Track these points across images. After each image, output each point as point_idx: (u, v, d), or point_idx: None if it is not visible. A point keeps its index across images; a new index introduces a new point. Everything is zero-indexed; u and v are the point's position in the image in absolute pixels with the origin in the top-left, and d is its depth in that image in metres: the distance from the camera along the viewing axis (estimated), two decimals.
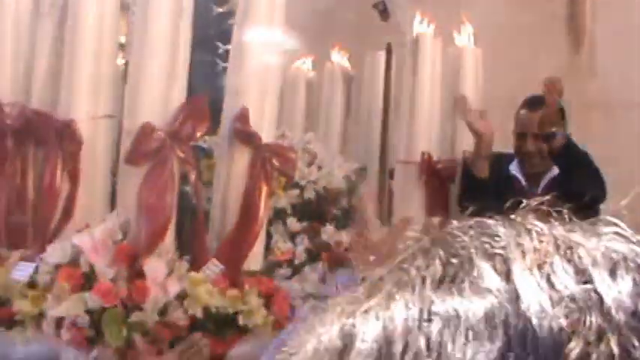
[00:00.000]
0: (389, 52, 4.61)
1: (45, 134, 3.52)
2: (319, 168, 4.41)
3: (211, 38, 4.40)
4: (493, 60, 7.98)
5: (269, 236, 3.94)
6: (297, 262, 3.92)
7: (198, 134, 3.36)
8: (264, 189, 3.50)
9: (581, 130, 7.85)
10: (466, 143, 4.40)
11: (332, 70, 5.26)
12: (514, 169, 4.31)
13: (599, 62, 8.21)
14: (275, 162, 3.53)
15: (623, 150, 7.83)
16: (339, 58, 5.32)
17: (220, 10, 4.52)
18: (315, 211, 4.31)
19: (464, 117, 4.26)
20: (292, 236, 4.08)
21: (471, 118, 4.22)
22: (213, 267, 3.34)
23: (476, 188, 4.10)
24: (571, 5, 8.40)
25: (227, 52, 4.35)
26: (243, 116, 3.45)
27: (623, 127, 7.93)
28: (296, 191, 4.29)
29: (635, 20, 8.16)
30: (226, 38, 4.35)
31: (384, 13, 4.61)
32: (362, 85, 5.13)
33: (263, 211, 3.52)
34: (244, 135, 3.46)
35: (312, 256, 3.95)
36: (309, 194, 4.32)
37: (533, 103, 4.28)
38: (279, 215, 4.13)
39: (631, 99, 7.91)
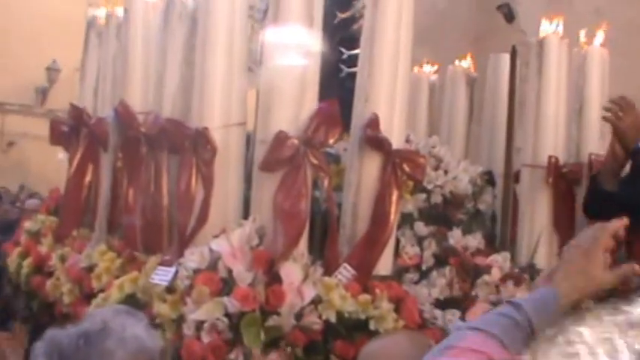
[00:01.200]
0: (513, 54, 4.62)
1: (179, 142, 3.65)
2: (445, 172, 4.44)
3: (336, 44, 4.47)
4: (628, 58, 7.87)
5: (397, 241, 4.00)
6: (424, 266, 3.95)
7: (331, 140, 3.43)
8: (395, 194, 3.57)
9: None
10: (592, 146, 4.37)
11: (454, 73, 5.29)
12: None
13: None
14: (405, 167, 3.59)
15: None
16: (462, 61, 5.36)
17: (343, 15, 4.59)
18: (441, 215, 4.35)
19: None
20: (420, 241, 4.12)
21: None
22: (345, 272, 3.42)
23: (602, 200, 4.03)
24: None
25: (350, 57, 4.44)
26: (373, 122, 3.52)
27: None
28: (423, 195, 4.33)
29: None
30: (349, 44, 4.44)
31: (510, 15, 4.61)
32: (486, 88, 5.15)
33: (394, 217, 3.58)
34: (375, 141, 3.53)
35: (440, 261, 3.98)
36: (436, 198, 4.36)
37: None
38: (406, 220, 4.17)
39: None
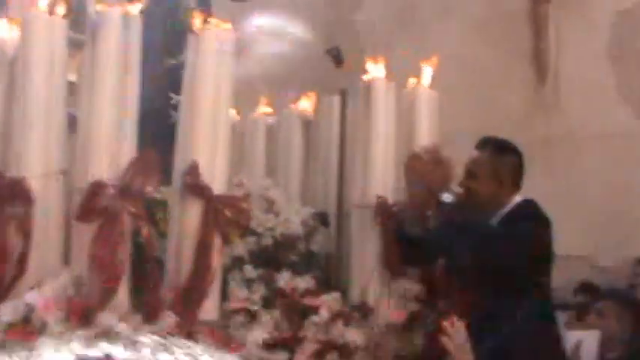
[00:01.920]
0: (343, 95, 4.73)
1: None
2: (276, 214, 4.51)
3: (165, 89, 4.51)
4: (458, 97, 8.13)
5: (226, 284, 4.05)
6: (253, 309, 4.01)
7: (149, 189, 3.45)
8: (217, 240, 3.61)
9: (545, 163, 8.03)
10: None
11: (290, 115, 5.36)
12: None
13: (562, 97, 8.40)
14: (227, 213, 3.63)
15: (587, 180, 8.00)
16: (298, 103, 5.43)
17: (173, 61, 4.63)
18: (272, 257, 4.41)
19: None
20: (249, 283, 4.17)
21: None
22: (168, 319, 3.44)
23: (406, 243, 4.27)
24: (535, 41, 8.60)
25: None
26: (193, 170, 3.56)
27: (586, 159, 8.11)
28: (253, 238, 4.39)
29: (596, 56, 8.35)
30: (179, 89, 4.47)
31: (338, 58, 4.72)
32: (319, 129, 5.24)
33: (216, 262, 3.62)
34: (195, 188, 3.57)
35: (268, 303, 4.05)
36: (267, 241, 4.42)
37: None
38: (237, 263, 4.22)
39: (593, 132, 8.09)
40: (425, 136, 4.57)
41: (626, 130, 8.08)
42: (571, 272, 7.89)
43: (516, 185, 4.27)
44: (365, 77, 4.55)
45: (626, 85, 8.23)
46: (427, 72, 4.69)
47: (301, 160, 5.29)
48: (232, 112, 5.64)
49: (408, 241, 4.29)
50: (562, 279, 7.92)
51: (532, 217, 4.10)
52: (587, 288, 7.63)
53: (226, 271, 4.05)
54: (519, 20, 8.70)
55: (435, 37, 8.81)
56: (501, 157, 4.27)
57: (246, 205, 3.79)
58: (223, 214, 3.61)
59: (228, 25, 3.84)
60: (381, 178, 4.45)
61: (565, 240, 7.85)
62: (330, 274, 4.70)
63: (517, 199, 4.21)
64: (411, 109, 4.62)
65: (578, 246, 7.95)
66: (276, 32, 9.51)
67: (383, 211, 4.32)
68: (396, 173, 4.51)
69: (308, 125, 5.36)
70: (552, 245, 4.18)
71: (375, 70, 4.56)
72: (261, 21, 9.51)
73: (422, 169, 4.15)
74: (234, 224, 3.75)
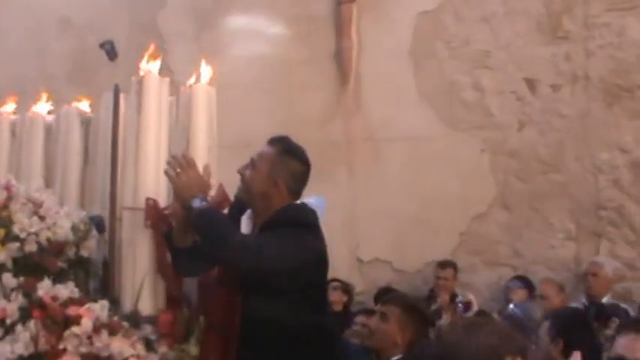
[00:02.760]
0: (116, 92, 4.51)
1: None
2: (42, 218, 4.25)
3: None
4: (261, 97, 8.04)
5: None
6: (9, 321, 3.75)
7: None
8: None
9: (348, 167, 8.02)
10: None
11: (68, 113, 5.10)
12: None
13: (363, 98, 8.41)
14: None
15: (389, 184, 8.02)
16: (77, 101, 5.18)
17: None
18: (38, 264, 4.16)
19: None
20: (9, 293, 3.91)
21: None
22: None
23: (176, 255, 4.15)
24: (338, 41, 8.58)
25: None
26: None
27: (387, 162, 8.13)
28: (17, 244, 4.13)
29: (398, 57, 8.41)
30: None
31: (112, 52, 4.49)
32: (97, 128, 5.00)
33: None
34: None
35: (26, 314, 3.80)
36: (31, 247, 4.16)
37: None
38: None
39: (394, 135, 8.13)
40: (202, 136, 4.41)
41: (428, 133, 8.16)
42: (374, 276, 7.92)
43: (294, 194, 4.15)
44: (139, 73, 4.37)
45: (427, 86, 8.32)
46: (206, 69, 4.53)
47: (80, 161, 5.06)
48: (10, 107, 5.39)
49: (177, 251, 4.14)
50: (365, 283, 7.97)
51: (292, 222, 3.98)
52: (387, 293, 7.65)
53: None
54: (325, 20, 8.68)
55: (241, 35, 8.71)
56: (285, 159, 4.16)
57: None
58: None
59: None
60: (154, 178, 4.26)
61: (369, 244, 7.90)
62: (107, 282, 4.48)
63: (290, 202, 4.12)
64: (187, 107, 4.45)
65: (382, 250, 7.99)
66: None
67: (153, 213, 4.13)
68: None
69: (88, 123, 5.13)
70: (319, 249, 4.07)
71: (150, 66, 4.38)
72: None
73: (170, 175, 4.03)
74: None
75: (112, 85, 4.57)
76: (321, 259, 4.05)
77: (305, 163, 4.20)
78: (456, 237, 8.21)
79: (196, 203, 3.91)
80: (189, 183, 3.98)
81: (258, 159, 4.15)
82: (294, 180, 4.14)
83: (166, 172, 4.06)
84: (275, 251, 3.80)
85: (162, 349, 3.99)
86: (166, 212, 4.19)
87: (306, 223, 4.00)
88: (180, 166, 4.01)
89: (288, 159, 4.16)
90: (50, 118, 5.31)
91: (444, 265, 7.96)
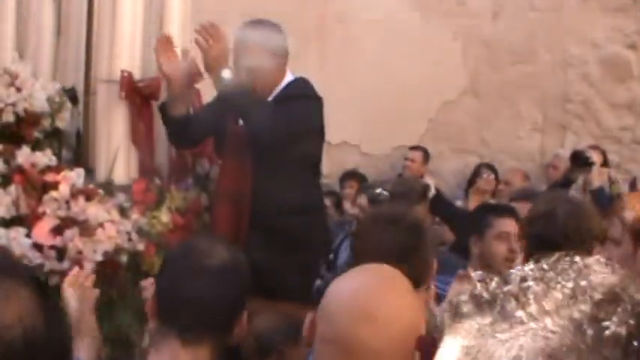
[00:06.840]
0: None
1: None
2: (18, 90, 4.52)
3: None
4: None
5: None
6: None
7: None
8: None
9: (320, 47, 8.25)
10: None
11: None
12: None
13: None
14: None
15: (359, 67, 8.27)
16: None
17: None
18: (14, 134, 4.44)
19: (157, 58, 4.44)
20: None
21: (160, 59, 4.41)
22: None
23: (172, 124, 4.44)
24: None
25: None
26: None
27: (357, 44, 8.35)
28: None
29: None
30: None
31: None
32: (70, 1, 5.22)
33: None
34: None
35: (6, 180, 4.10)
36: (8, 117, 4.43)
37: None
38: None
39: (365, 19, 8.33)
40: (176, 14, 4.68)
41: (401, 18, 8.35)
42: (341, 159, 8.25)
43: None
44: None
45: None
46: None
47: (52, 34, 5.28)
48: None
49: (173, 121, 4.45)
50: (332, 166, 8.30)
51: (303, 95, 4.34)
52: (352, 176, 8.01)
53: None
54: None
55: None
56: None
57: None
58: None
59: None
60: (129, 52, 4.53)
61: (337, 127, 8.20)
62: (81, 152, 4.78)
63: (289, 77, 4.49)
64: None
65: (350, 134, 8.30)
66: None
67: (127, 85, 4.42)
68: (144, 49, 4.61)
69: None
70: (322, 122, 4.48)
71: None
72: None
73: (202, 45, 4.31)
74: None
75: None
76: (324, 132, 4.48)
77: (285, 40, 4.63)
78: (425, 123, 8.51)
79: (226, 74, 4.23)
80: (221, 53, 4.28)
81: (252, 59, 4.47)
82: (284, 56, 4.58)
83: (198, 42, 4.33)
84: (296, 118, 4.28)
85: (135, 215, 4.31)
86: (140, 85, 4.48)
87: (315, 95, 4.40)
88: (211, 36, 4.29)
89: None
90: None
91: (414, 147, 8.26)
